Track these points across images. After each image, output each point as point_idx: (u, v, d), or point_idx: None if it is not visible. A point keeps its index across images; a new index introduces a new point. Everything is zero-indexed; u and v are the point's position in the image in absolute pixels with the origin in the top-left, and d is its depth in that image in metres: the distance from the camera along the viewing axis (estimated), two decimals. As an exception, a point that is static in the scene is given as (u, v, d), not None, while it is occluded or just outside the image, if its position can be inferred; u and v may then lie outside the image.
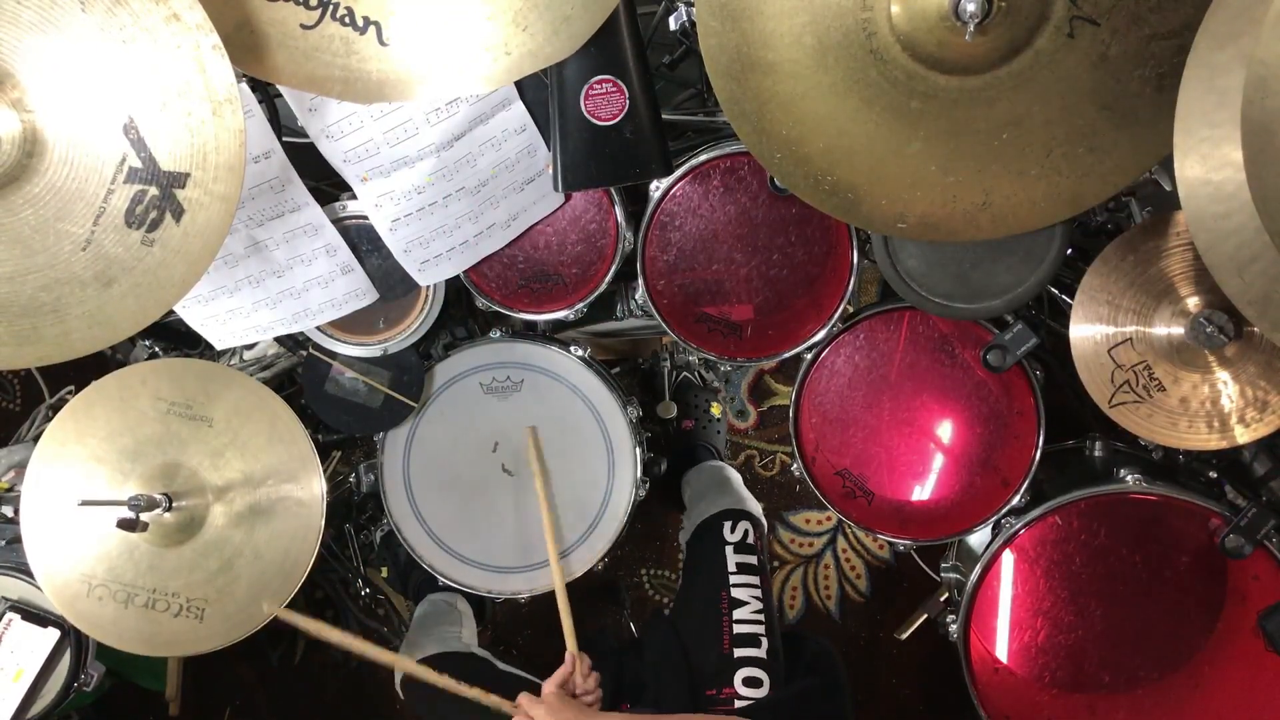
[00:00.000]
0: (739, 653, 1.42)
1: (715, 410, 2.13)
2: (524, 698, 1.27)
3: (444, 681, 1.30)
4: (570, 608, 1.43)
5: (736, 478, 1.94)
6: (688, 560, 1.72)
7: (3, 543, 1.47)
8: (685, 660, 1.44)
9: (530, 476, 1.55)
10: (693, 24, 1.31)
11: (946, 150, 1.10)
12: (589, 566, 1.59)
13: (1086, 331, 1.30)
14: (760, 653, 1.42)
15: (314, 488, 1.39)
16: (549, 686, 1.31)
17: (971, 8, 0.94)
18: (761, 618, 1.47)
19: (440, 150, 1.26)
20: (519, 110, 1.28)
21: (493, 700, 1.29)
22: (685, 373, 2.13)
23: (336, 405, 1.53)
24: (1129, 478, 1.39)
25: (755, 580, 1.52)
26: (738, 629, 1.45)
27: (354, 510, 2.05)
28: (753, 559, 1.56)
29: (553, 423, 1.58)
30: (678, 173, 1.38)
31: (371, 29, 1.07)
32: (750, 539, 1.60)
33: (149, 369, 1.38)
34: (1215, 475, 1.47)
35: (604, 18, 1.12)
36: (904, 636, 1.75)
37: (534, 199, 1.38)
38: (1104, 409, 1.31)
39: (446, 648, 1.63)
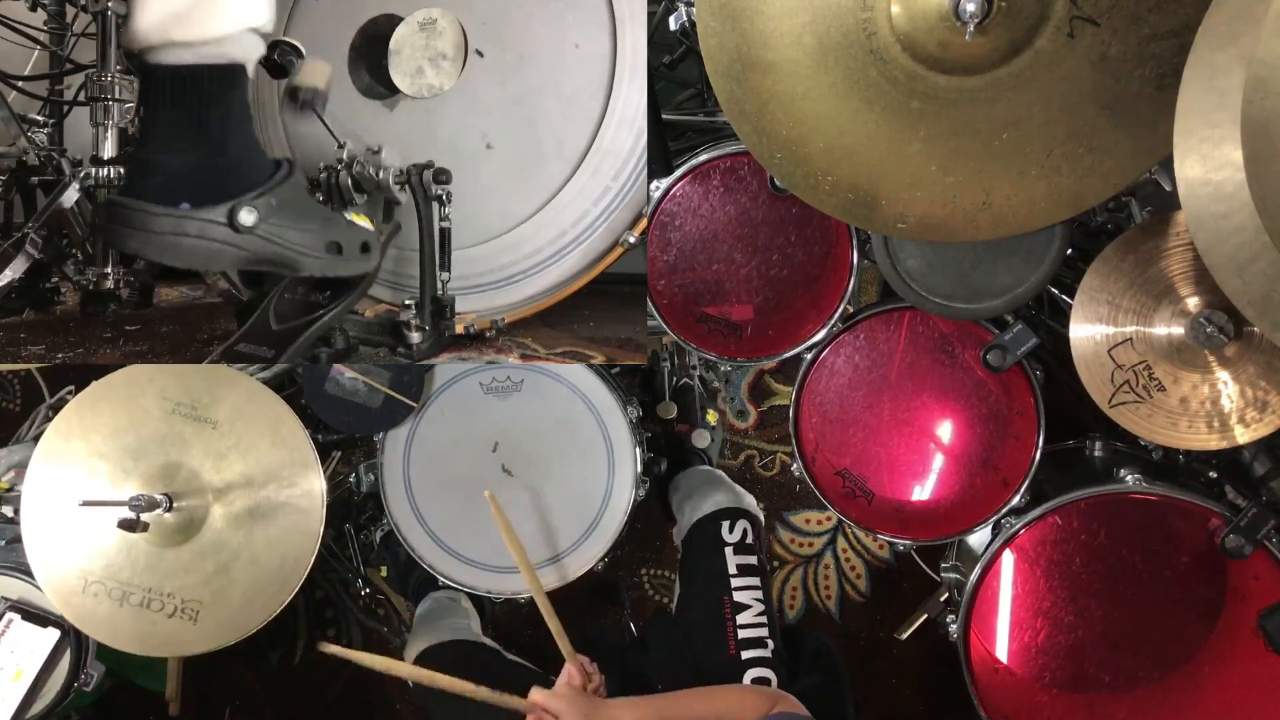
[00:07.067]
0: (746, 654, 1.42)
1: (711, 418, 2.12)
2: (536, 691, 1.23)
3: (464, 687, 1.27)
4: (556, 615, 1.36)
5: (728, 478, 1.92)
6: (685, 560, 1.69)
7: (3, 543, 1.47)
8: (695, 659, 1.44)
9: (531, 478, 1.55)
10: (693, 24, 1.31)
11: (946, 150, 1.10)
12: (588, 566, 1.59)
13: (1086, 331, 1.30)
14: (766, 653, 1.42)
15: (314, 498, 1.39)
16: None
17: (971, 8, 0.94)
18: (764, 619, 1.46)
19: None
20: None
21: (507, 700, 1.25)
22: (686, 379, 2.11)
23: (336, 405, 1.53)
24: (1129, 478, 1.39)
25: (756, 581, 1.51)
26: (743, 633, 1.44)
27: (354, 510, 2.04)
28: (753, 559, 1.55)
29: (553, 423, 1.58)
30: (678, 173, 1.38)
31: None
32: (749, 538, 1.58)
33: (156, 368, 1.38)
34: (1215, 475, 1.47)
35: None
36: (904, 636, 1.75)
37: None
38: (1104, 409, 1.31)
39: (458, 635, 1.62)
